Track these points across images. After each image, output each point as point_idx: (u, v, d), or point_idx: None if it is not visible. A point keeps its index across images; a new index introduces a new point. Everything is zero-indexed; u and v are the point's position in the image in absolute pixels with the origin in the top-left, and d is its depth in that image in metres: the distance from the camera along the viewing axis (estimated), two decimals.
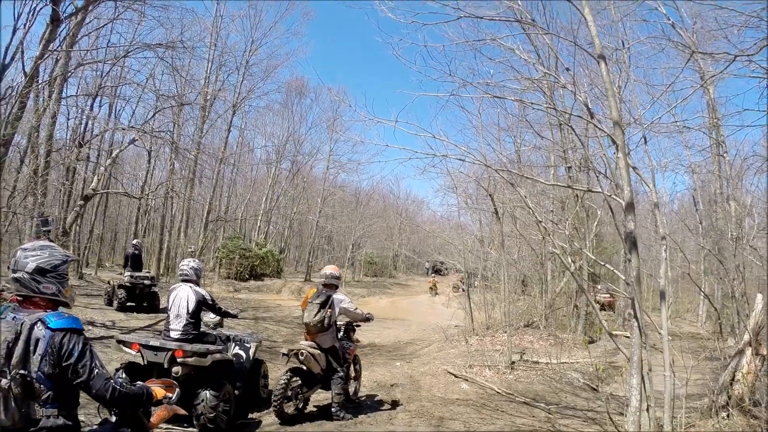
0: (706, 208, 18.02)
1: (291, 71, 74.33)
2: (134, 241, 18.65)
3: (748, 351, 5.43)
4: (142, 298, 16.10)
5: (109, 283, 17.08)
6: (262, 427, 6.81)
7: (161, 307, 15.41)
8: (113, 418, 3.12)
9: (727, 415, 5.02)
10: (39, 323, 2.56)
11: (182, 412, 3.75)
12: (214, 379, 6.21)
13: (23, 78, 11.30)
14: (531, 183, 11.91)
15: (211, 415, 5.94)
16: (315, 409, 7.46)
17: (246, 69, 32.31)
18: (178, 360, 5.99)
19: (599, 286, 17.34)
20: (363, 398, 8.46)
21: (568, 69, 6.65)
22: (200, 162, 27.21)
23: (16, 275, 2.70)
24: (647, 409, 5.29)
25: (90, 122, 23.43)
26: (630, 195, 5.57)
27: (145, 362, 6.21)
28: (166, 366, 6.01)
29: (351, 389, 7.90)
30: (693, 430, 4.88)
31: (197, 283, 6.84)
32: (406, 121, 6.31)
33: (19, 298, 2.72)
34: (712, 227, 15.86)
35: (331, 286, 7.41)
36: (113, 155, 16.12)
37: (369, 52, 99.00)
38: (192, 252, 22.21)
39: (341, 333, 7.80)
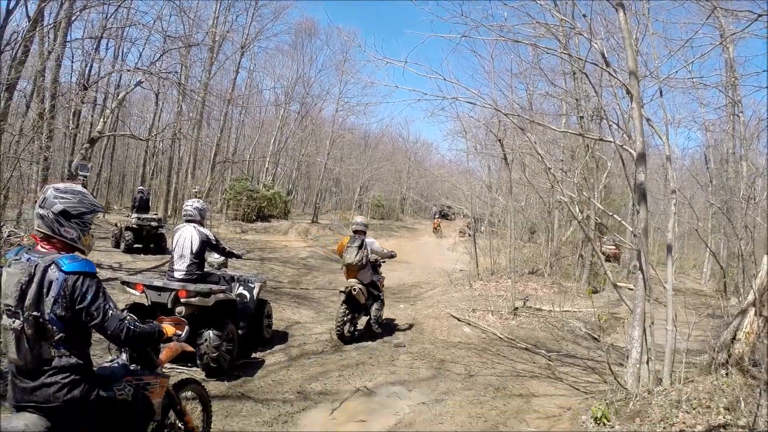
0: (717, 167, 17.77)
1: (301, 12, 72.40)
2: (140, 188, 18.71)
3: (752, 311, 5.38)
4: (149, 240, 16.22)
5: (116, 225, 17.19)
6: (265, 366, 6.92)
7: (168, 248, 15.57)
8: (123, 356, 3.28)
9: (726, 374, 5.02)
10: (53, 265, 2.61)
11: (190, 349, 3.91)
12: (218, 319, 6.26)
13: (27, 22, 11.08)
14: (541, 130, 11.77)
15: (214, 354, 6.02)
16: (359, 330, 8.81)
17: (255, 10, 31.47)
18: (182, 300, 6.03)
19: (605, 238, 17.33)
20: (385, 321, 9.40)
21: (585, 15, 6.45)
22: (208, 104, 26.88)
23: (41, 212, 2.73)
24: (647, 362, 5.32)
25: (96, 65, 23.15)
26: (642, 146, 5.49)
27: (149, 303, 6.25)
28: (169, 306, 6.06)
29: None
30: (691, 386, 4.90)
31: (201, 224, 6.79)
32: (416, 62, 6.18)
33: (38, 235, 2.76)
34: (722, 186, 15.69)
35: (361, 231, 8.87)
36: (120, 97, 15.92)
37: None
38: (197, 192, 22.19)
39: None
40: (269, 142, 39.31)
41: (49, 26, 14.07)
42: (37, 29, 11.66)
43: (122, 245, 15.64)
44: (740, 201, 11.61)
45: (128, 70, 19.39)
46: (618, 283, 6.65)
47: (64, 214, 2.74)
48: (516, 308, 10.89)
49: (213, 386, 5.88)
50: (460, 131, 15.69)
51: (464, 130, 15.38)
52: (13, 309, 2.55)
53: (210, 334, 6.02)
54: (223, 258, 7.64)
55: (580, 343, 9.30)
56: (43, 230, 2.73)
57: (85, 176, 14.10)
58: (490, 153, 16.06)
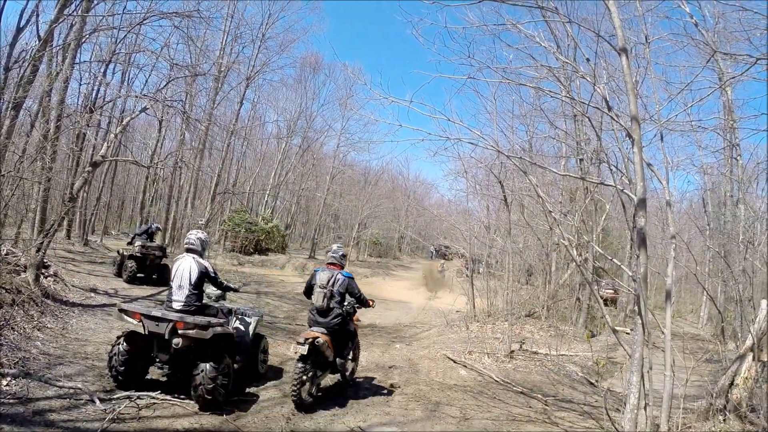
0: (714, 210, 17.87)
1: (306, 47, 74.27)
2: (155, 224, 18.19)
3: (750, 356, 5.39)
4: (153, 270, 15.48)
5: (118, 252, 16.38)
6: (258, 401, 6.85)
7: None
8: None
9: (724, 419, 5.00)
10: (339, 274, 7.12)
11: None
12: (215, 352, 6.21)
13: (37, 42, 11.21)
14: (541, 172, 11.85)
15: (210, 386, 5.95)
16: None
17: (262, 42, 31.97)
18: (179, 332, 5.99)
19: (603, 282, 17.31)
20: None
21: (588, 60, 6.57)
22: (211, 133, 27.08)
23: (336, 254, 7.41)
24: (645, 408, 5.28)
25: (102, 88, 23.38)
26: (643, 191, 5.53)
27: (146, 332, 6.20)
28: (166, 337, 6.02)
29: None
30: None
31: (201, 255, 6.80)
32: (420, 102, 6.29)
33: (331, 263, 7.29)
34: (719, 229, 15.77)
35: (443, 271, 21.90)
36: (124, 122, 16.01)
37: (387, 27, 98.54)
38: (201, 225, 22.23)
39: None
40: (270, 175, 39.63)
41: (58, 47, 14.24)
42: (47, 49, 11.78)
43: (125, 275, 14.93)
44: (738, 245, 11.65)
45: (134, 96, 19.56)
46: (615, 327, 6.64)
47: (344, 255, 7.33)
48: (512, 351, 10.82)
49: (206, 420, 5.81)
50: (461, 171, 15.82)
51: (465, 170, 15.51)
52: (325, 285, 7.01)
53: (207, 366, 5.97)
54: (220, 290, 7.63)
55: (577, 388, 9.23)
56: (335, 261, 7.30)
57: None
58: (490, 194, 16.16)
